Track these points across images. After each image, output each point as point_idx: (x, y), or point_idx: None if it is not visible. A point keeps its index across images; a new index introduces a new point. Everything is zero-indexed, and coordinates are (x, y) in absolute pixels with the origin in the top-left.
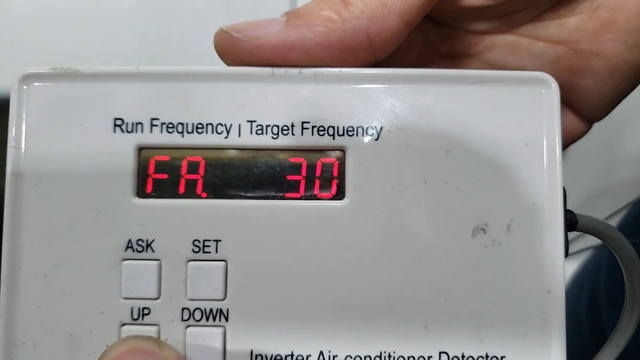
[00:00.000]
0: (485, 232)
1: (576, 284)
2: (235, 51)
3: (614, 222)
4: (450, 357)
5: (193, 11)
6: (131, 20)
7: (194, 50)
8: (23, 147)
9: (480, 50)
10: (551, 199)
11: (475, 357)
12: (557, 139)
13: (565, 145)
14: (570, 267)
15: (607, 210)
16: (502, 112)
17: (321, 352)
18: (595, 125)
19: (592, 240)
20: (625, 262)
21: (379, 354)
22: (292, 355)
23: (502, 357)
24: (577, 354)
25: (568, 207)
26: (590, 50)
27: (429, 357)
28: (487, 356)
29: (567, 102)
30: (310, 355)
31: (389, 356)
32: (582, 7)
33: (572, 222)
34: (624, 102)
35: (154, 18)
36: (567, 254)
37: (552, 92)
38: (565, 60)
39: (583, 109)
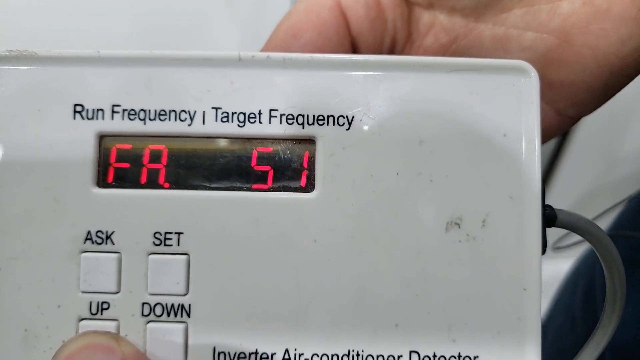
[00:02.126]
0: (459, 227)
1: (572, 279)
2: None
3: (611, 217)
4: (422, 356)
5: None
6: (127, 8)
7: (194, 40)
8: None
9: (468, 44)
10: (529, 193)
11: (448, 357)
12: (536, 130)
13: (543, 140)
14: (567, 262)
15: (605, 206)
16: (479, 101)
17: (287, 350)
18: (594, 122)
19: None
20: (606, 258)
21: (347, 353)
22: (256, 353)
23: (475, 357)
24: (571, 349)
25: (569, 202)
26: (581, 42)
27: (399, 357)
28: (459, 356)
29: (550, 98)
30: (275, 354)
31: (357, 355)
32: None
33: (550, 217)
34: (622, 98)
35: (152, 6)
36: (544, 251)
37: (531, 81)
38: (555, 53)
39: (567, 105)
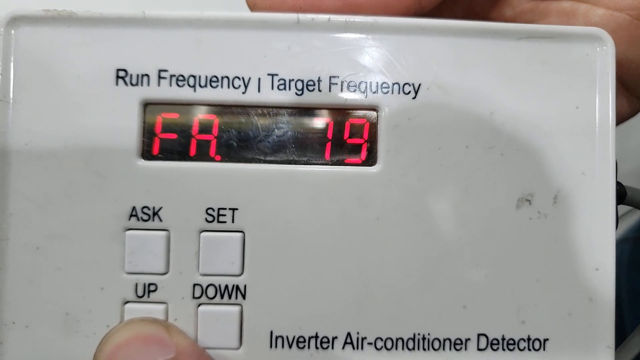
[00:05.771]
0: (530, 204)
1: None
2: None
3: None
4: (490, 339)
5: None
6: None
7: None
8: (11, 100)
9: (532, 18)
10: (602, 169)
11: (517, 340)
12: (610, 103)
13: None
14: None
15: None
16: (551, 71)
17: (349, 334)
18: None
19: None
20: None
21: (412, 336)
22: (316, 337)
23: (544, 340)
24: None
25: None
26: None
27: (466, 340)
28: (529, 339)
29: (621, 78)
30: (336, 338)
31: (423, 338)
32: None
33: (621, 194)
34: None
35: None
36: (616, 229)
37: (607, 50)
38: (626, 30)
39: (637, 85)
